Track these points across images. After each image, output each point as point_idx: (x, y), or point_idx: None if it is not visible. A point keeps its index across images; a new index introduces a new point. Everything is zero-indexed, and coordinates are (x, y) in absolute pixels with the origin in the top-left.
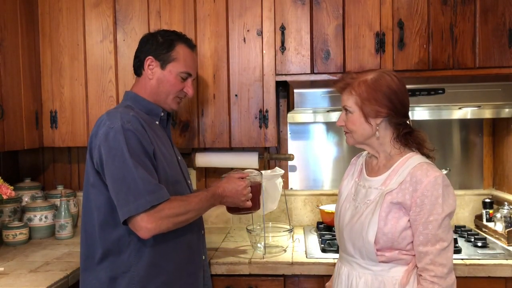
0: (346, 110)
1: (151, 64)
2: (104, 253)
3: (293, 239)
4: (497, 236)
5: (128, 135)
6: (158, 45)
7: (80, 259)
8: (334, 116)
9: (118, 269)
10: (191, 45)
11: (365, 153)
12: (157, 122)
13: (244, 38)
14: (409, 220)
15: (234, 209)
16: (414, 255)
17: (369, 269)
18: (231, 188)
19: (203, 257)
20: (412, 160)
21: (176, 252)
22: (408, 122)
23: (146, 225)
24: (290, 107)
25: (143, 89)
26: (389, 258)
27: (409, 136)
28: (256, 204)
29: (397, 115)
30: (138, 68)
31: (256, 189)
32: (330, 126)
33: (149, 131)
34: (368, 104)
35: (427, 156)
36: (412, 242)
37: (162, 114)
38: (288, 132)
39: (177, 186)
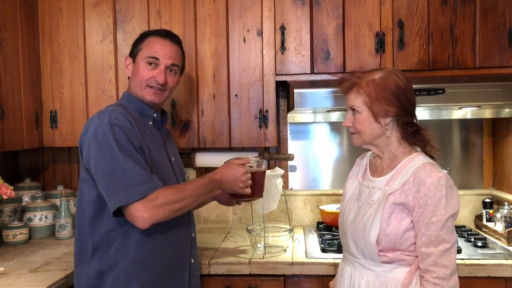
0: (353, 110)
1: (129, 64)
2: (94, 247)
3: (293, 239)
4: (497, 236)
5: (115, 130)
6: (134, 43)
7: (74, 254)
8: (334, 116)
9: (105, 264)
10: (164, 34)
11: (369, 153)
12: (150, 123)
13: (244, 38)
14: (411, 221)
15: (235, 195)
16: (417, 256)
17: (372, 269)
18: (229, 174)
19: (192, 260)
20: (416, 160)
21: (162, 252)
22: (415, 121)
23: (141, 214)
24: (290, 107)
25: (131, 89)
26: (391, 259)
27: (416, 135)
28: (258, 191)
29: (405, 114)
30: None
31: (257, 176)
32: (330, 126)
33: (137, 129)
34: (377, 103)
35: (431, 156)
36: (414, 243)
37: (155, 115)
38: (288, 132)
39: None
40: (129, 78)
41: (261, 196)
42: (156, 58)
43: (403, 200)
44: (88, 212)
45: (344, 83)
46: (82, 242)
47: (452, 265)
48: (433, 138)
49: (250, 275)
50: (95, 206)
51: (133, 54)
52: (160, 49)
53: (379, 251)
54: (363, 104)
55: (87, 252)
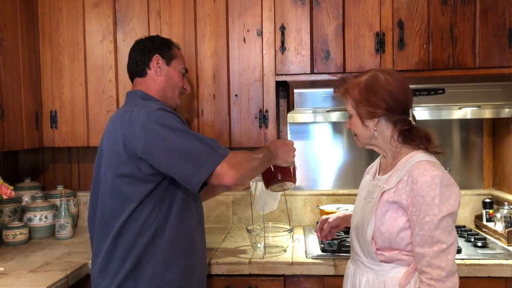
0: (349, 114)
1: (158, 62)
2: (126, 245)
3: (293, 239)
4: (497, 236)
5: (169, 115)
6: (158, 45)
7: (98, 262)
8: (334, 116)
9: (141, 254)
10: (179, 48)
11: None
12: None
13: (244, 38)
14: (407, 220)
15: (273, 179)
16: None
17: (372, 268)
18: (280, 144)
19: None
20: (414, 158)
21: (197, 236)
22: (407, 118)
23: (228, 171)
24: (290, 107)
25: (151, 87)
26: (389, 258)
27: (408, 133)
28: (295, 177)
29: (393, 114)
30: (142, 69)
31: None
32: (330, 126)
33: None
34: (361, 106)
35: (435, 153)
36: (412, 242)
37: None
38: (288, 132)
39: None
40: (142, 76)
41: (296, 182)
42: (187, 71)
43: (397, 198)
44: (127, 210)
45: (337, 91)
46: (107, 237)
47: (448, 267)
48: (432, 135)
49: (250, 275)
50: (139, 199)
51: (165, 56)
52: (184, 61)
53: (377, 249)
54: (352, 108)
55: (116, 250)
